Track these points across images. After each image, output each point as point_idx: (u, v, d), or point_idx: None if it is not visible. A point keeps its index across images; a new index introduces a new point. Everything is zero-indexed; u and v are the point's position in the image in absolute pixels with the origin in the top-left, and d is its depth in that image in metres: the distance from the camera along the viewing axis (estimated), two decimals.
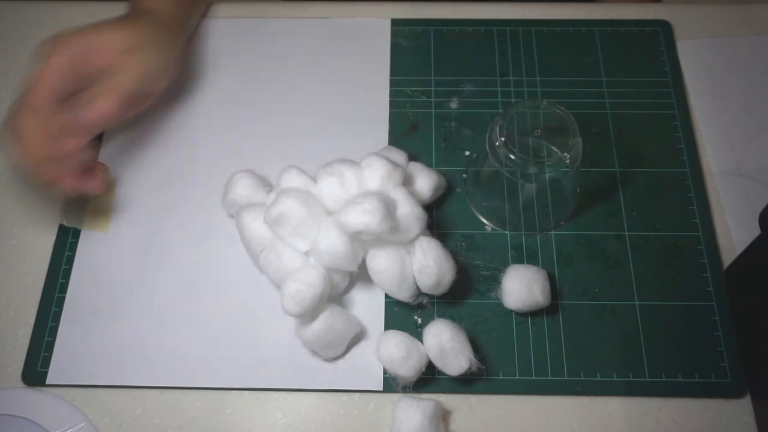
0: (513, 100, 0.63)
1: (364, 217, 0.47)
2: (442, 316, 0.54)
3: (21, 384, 0.52)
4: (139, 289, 0.56)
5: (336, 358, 0.52)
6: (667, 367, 0.52)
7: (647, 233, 0.57)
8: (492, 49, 0.66)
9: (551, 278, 0.54)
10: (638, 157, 0.60)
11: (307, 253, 0.51)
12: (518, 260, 0.56)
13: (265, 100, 0.64)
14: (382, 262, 0.50)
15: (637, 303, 0.54)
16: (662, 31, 0.67)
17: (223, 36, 0.68)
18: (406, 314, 0.54)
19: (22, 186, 0.60)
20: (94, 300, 0.55)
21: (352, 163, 0.53)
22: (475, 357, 0.49)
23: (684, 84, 0.64)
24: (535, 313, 0.54)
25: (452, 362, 0.48)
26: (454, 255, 0.52)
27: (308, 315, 0.49)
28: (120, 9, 0.61)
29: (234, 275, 0.56)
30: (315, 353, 0.52)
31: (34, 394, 0.52)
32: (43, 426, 0.50)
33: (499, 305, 0.54)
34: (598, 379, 0.52)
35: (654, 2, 0.71)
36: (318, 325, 0.49)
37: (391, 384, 0.51)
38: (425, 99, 0.63)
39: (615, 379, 0.52)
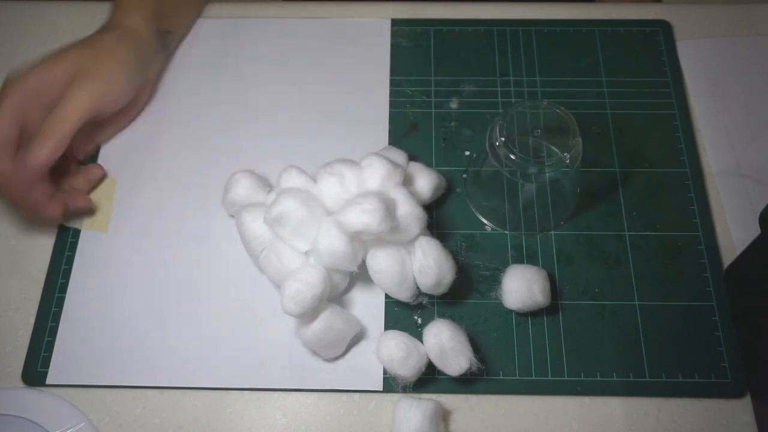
0: (513, 100, 0.63)
1: (364, 217, 0.47)
2: (442, 316, 0.54)
3: (21, 384, 0.52)
4: (139, 289, 0.56)
5: (336, 358, 0.52)
6: (667, 367, 0.52)
7: (647, 233, 0.57)
8: (492, 49, 0.66)
9: (551, 278, 0.54)
10: (638, 157, 0.60)
11: (307, 253, 0.51)
12: (518, 260, 0.56)
13: (265, 100, 0.64)
14: (382, 262, 0.50)
15: (637, 303, 0.54)
16: (662, 31, 0.67)
17: (223, 36, 0.68)
18: (406, 314, 0.54)
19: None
20: (94, 300, 0.55)
21: (352, 163, 0.53)
22: (475, 357, 0.49)
23: (684, 84, 0.64)
24: (535, 313, 0.54)
25: (452, 362, 0.48)
26: (454, 255, 0.52)
27: (308, 315, 0.49)
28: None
29: (234, 275, 0.56)
30: (315, 353, 0.52)
31: (34, 394, 0.52)
32: (43, 426, 0.50)
33: (499, 305, 0.54)
34: (598, 379, 0.52)
35: (654, 2, 0.71)
36: (318, 325, 0.49)
37: (391, 384, 0.51)
38: (425, 99, 0.63)
39: (615, 379, 0.52)
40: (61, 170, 0.58)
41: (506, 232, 0.57)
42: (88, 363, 0.53)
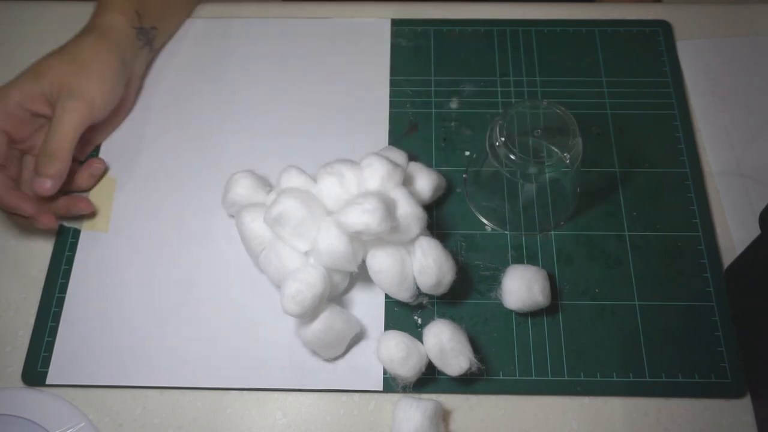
0: (513, 100, 0.63)
1: (364, 217, 0.47)
2: (442, 316, 0.54)
3: (21, 384, 0.52)
4: (139, 289, 0.56)
5: (336, 358, 0.52)
6: (667, 367, 0.52)
7: (647, 233, 0.57)
8: (492, 49, 0.66)
9: (551, 278, 0.54)
10: (638, 157, 0.60)
11: (307, 253, 0.51)
12: (518, 260, 0.56)
13: (265, 99, 0.64)
14: (382, 262, 0.50)
15: (637, 303, 0.54)
16: (662, 31, 0.67)
17: (223, 36, 0.68)
18: (406, 314, 0.54)
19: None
20: (94, 300, 0.55)
21: (352, 163, 0.53)
22: (475, 357, 0.49)
23: (684, 84, 0.64)
24: (535, 313, 0.54)
25: (452, 362, 0.48)
26: (454, 255, 0.52)
27: (308, 315, 0.49)
28: None
29: (234, 275, 0.56)
30: (315, 353, 0.52)
31: (34, 394, 0.52)
32: (43, 426, 0.50)
33: (499, 305, 0.54)
34: (598, 379, 0.52)
35: (654, 2, 0.71)
36: (318, 325, 0.49)
37: (391, 384, 0.51)
38: (424, 99, 0.63)
39: (615, 379, 0.52)
40: None
41: (506, 232, 0.57)
42: (88, 363, 0.53)
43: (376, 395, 0.52)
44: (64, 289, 0.56)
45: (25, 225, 0.58)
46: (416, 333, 0.51)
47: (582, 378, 0.52)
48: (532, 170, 0.51)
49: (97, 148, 0.62)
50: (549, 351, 0.53)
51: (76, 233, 0.58)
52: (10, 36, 0.69)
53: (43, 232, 0.58)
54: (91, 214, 0.59)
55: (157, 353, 0.53)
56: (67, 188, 0.58)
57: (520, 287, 0.51)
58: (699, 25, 0.67)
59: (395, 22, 0.68)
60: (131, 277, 0.56)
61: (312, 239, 0.50)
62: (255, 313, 0.54)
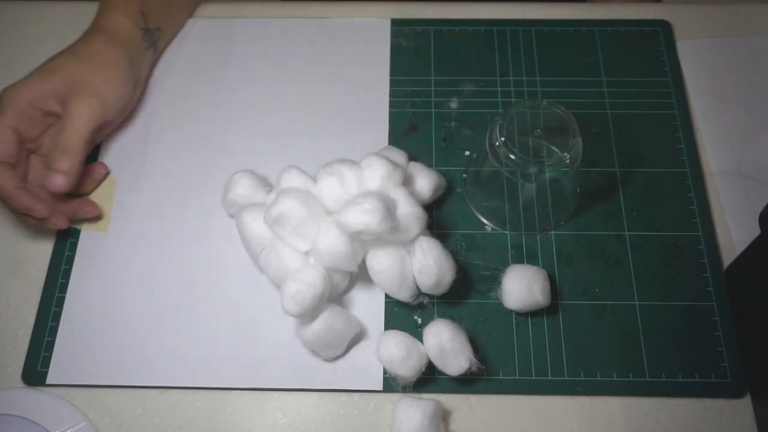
0: (513, 100, 0.63)
1: (364, 217, 0.47)
2: (442, 316, 0.54)
3: (21, 384, 0.52)
4: (139, 289, 0.56)
5: (336, 358, 0.52)
6: (667, 367, 0.52)
7: (647, 233, 0.57)
8: (492, 49, 0.66)
9: (551, 278, 0.54)
10: (638, 157, 0.60)
11: (307, 253, 0.51)
12: (518, 260, 0.56)
13: (265, 99, 0.64)
14: (382, 262, 0.50)
15: (637, 303, 0.54)
16: (662, 31, 0.67)
17: (223, 36, 0.68)
18: (406, 314, 0.54)
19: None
20: (94, 300, 0.55)
21: (352, 163, 0.53)
22: (475, 357, 0.49)
23: (684, 84, 0.64)
24: (535, 313, 0.54)
25: (452, 362, 0.48)
26: (454, 255, 0.52)
27: (308, 315, 0.49)
28: None
29: (234, 275, 0.56)
30: (315, 353, 0.52)
31: (34, 394, 0.52)
32: (43, 426, 0.50)
33: (499, 305, 0.54)
34: (598, 379, 0.52)
35: (654, 2, 0.71)
36: (318, 325, 0.49)
37: (391, 384, 0.51)
38: (424, 99, 0.63)
39: (615, 379, 0.52)
40: None
41: (506, 232, 0.57)
42: (88, 363, 0.53)
43: (376, 395, 0.52)
44: (64, 289, 0.56)
45: (26, 225, 0.58)
46: (416, 333, 0.51)
47: (582, 378, 0.52)
48: (532, 170, 0.51)
49: (97, 148, 0.62)
50: (549, 351, 0.53)
51: (76, 233, 0.58)
52: (10, 36, 0.68)
53: (43, 232, 0.58)
54: (98, 217, 0.58)
55: (157, 353, 0.53)
56: (70, 191, 0.58)
57: (520, 287, 0.51)
58: (699, 25, 0.67)
59: (395, 22, 0.68)
60: (131, 277, 0.56)
61: (312, 239, 0.50)
62: (255, 313, 0.54)
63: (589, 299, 0.54)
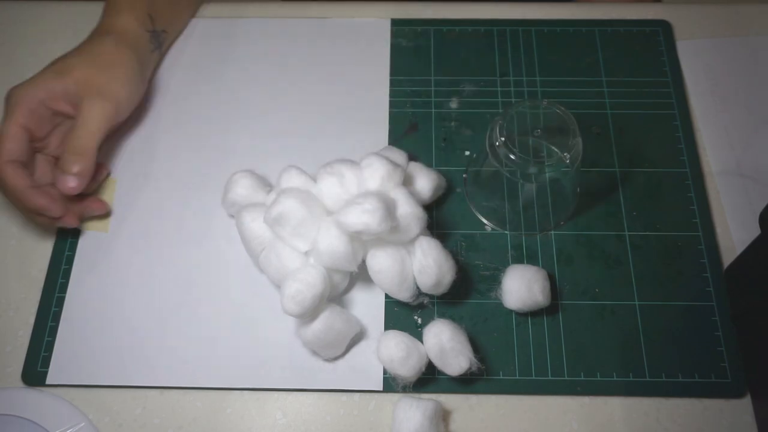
0: (513, 100, 0.63)
1: (364, 217, 0.47)
2: (442, 316, 0.54)
3: (21, 384, 0.52)
4: (139, 289, 0.56)
5: (336, 358, 0.52)
6: (667, 367, 0.52)
7: (647, 233, 0.57)
8: (492, 49, 0.66)
9: (551, 278, 0.54)
10: (638, 157, 0.60)
11: (307, 253, 0.51)
12: (518, 260, 0.56)
13: (265, 100, 0.64)
14: (382, 262, 0.50)
15: (637, 303, 0.54)
16: (662, 31, 0.67)
17: (223, 36, 0.68)
18: (406, 314, 0.54)
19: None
20: (94, 300, 0.55)
21: (352, 163, 0.53)
22: (475, 357, 0.49)
23: (684, 84, 0.64)
24: (535, 313, 0.54)
25: (452, 362, 0.48)
26: (454, 255, 0.52)
27: (308, 315, 0.49)
28: None
29: (234, 275, 0.56)
30: (315, 353, 0.52)
31: (34, 394, 0.52)
32: (43, 426, 0.50)
33: (499, 305, 0.54)
34: (598, 379, 0.52)
35: (654, 2, 0.71)
36: (318, 325, 0.49)
37: (391, 384, 0.51)
38: (424, 99, 0.63)
39: (615, 379, 0.52)
40: None
41: (506, 232, 0.57)
42: (88, 363, 0.53)
43: (376, 395, 0.52)
44: (64, 289, 0.56)
45: (35, 223, 0.57)
46: (416, 333, 0.51)
47: (582, 378, 0.52)
48: (532, 170, 0.51)
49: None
50: (549, 351, 0.53)
51: (76, 233, 0.58)
52: (10, 36, 0.68)
53: (43, 232, 0.58)
54: (105, 215, 0.58)
55: (157, 353, 0.53)
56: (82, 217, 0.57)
57: (520, 287, 0.51)
58: (699, 25, 0.67)
59: (395, 22, 0.68)
60: (131, 277, 0.56)
61: (312, 239, 0.50)
62: (255, 313, 0.54)
63: (589, 299, 0.54)
